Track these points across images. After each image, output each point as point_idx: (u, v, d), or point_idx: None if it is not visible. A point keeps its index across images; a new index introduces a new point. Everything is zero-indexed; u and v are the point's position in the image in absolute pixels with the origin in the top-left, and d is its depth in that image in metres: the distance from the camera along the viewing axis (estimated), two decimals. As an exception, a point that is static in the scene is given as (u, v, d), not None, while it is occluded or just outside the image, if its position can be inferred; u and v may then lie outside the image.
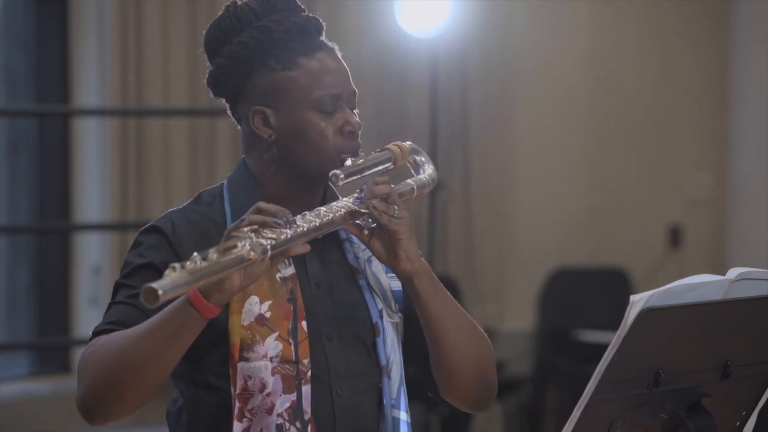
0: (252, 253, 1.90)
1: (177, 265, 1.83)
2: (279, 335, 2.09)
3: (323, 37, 2.22)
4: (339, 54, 2.22)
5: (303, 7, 2.24)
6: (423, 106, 5.87)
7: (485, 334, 2.24)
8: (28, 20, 5.47)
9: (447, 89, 6.05)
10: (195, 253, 1.86)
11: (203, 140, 5.46)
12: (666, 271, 6.45)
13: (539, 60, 6.43)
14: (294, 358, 2.09)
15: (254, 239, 1.92)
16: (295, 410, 2.08)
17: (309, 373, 2.10)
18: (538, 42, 6.41)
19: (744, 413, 2.03)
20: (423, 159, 2.28)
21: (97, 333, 2.10)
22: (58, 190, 5.52)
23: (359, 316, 2.19)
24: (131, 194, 5.33)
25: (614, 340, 1.78)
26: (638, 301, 1.78)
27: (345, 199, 2.12)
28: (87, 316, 5.49)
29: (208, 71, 2.22)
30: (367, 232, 2.12)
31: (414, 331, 2.21)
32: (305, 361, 2.10)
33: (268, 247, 1.92)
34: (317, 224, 2.03)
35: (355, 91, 2.22)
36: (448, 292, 2.20)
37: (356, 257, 2.21)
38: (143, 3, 5.30)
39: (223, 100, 2.24)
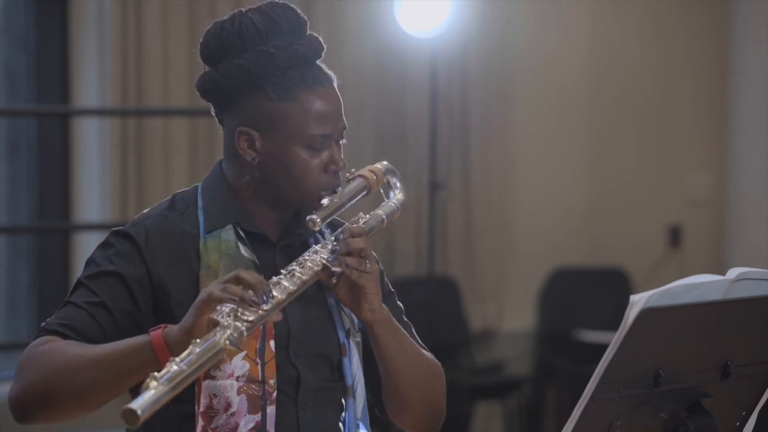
0: (228, 343, 1.89)
1: (158, 375, 1.81)
2: (246, 354, 2.08)
3: (321, 61, 2.18)
4: (335, 84, 2.19)
5: (307, 21, 2.20)
6: (423, 106, 5.87)
7: (438, 366, 2.28)
8: (28, 20, 5.47)
9: (447, 89, 6.05)
10: (172, 358, 1.84)
11: (203, 140, 5.46)
12: (666, 271, 6.45)
13: (539, 60, 6.43)
14: (260, 378, 2.09)
15: (232, 325, 1.90)
16: (259, 431, 2.08)
17: (275, 394, 2.10)
18: (538, 42, 6.41)
19: (744, 413, 2.03)
20: (396, 181, 2.28)
21: (47, 330, 2.08)
22: (58, 190, 5.51)
23: (327, 335, 2.19)
24: (131, 194, 5.32)
25: (614, 340, 1.78)
26: (638, 301, 1.78)
27: (319, 249, 2.11)
28: (87, 316, 5.48)
29: (199, 76, 2.19)
30: (335, 280, 2.13)
31: (367, 353, 2.22)
32: (271, 382, 2.10)
33: (244, 330, 1.91)
34: (293, 290, 2.03)
35: (345, 126, 2.19)
36: (405, 332, 2.22)
37: None
38: (143, 3, 5.29)
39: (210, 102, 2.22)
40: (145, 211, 2.23)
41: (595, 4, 6.56)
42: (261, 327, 2.06)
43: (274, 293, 1.99)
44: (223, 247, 2.13)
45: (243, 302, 1.93)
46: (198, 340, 1.88)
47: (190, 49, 5.35)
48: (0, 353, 5.48)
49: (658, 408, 1.90)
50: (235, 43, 2.15)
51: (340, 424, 2.19)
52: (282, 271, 2.05)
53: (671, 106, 6.68)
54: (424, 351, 2.27)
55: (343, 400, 2.20)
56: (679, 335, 1.86)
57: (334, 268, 2.10)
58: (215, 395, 2.07)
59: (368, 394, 2.26)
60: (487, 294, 6.32)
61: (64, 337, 2.07)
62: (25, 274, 5.52)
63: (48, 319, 2.11)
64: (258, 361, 2.09)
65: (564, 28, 6.48)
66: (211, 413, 2.07)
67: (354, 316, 2.20)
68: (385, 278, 2.31)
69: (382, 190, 2.27)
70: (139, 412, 1.76)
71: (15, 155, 5.51)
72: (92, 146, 5.43)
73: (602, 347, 1.81)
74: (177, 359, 1.84)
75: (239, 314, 1.92)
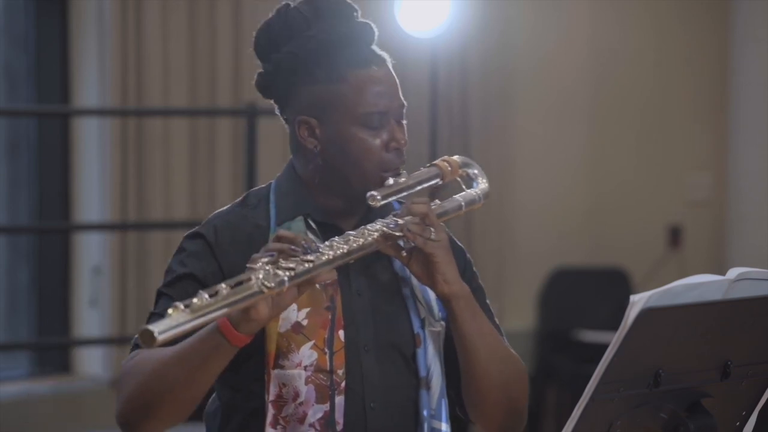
0: (266, 287, 1.88)
1: (180, 304, 1.82)
2: (314, 344, 2.08)
3: (374, 46, 2.19)
4: (390, 64, 2.19)
5: (356, 8, 2.20)
6: (423, 106, 5.87)
7: (521, 362, 2.22)
8: (28, 20, 5.47)
9: (447, 89, 6.05)
10: (200, 291, 1.85)
11: (203, 140, 5.46)
12: (666, 271, 6.45)
13: (539, 60, 6.43)
14: (328, 368, 2.08)
15: (270, 271, 1.90)
16: (328, 421, 2.07)
17: (343, 384, 2.09)
18: (538, 42, 6.41)
19: (744, 413, 2.03)
20: (476, 172, 2.25)
21: (137, 345, 2.11)
22: (58, 190, 5.51)
23: (400, 326, 2.16)
24: (131, 194, 5.32)
25: (614, 340, 1.78)
26: (638, 301, 1.78)
27: (381, 220, 2.09)
28: (87, 316, 5.49)
29: (257, 73, 2.20)
30: (405, 253, 2.10)
31: (452, 348, 2.18)
32: (340, 372, 2.09)
33: (285, 278, 1.90)
34: (345, 250, 2.00)
35: (403, 103, 2.18)
36: (486, 318, 2.18)
37: (402, 265, 2.17)
38: (143, 3, 5.29)
39: (272, 101, 2.22)
40: (217, 210, 2.23)
41: (595, 4, 6.56)
42: (329, 317, 2.07)
43: (323, 250, 1.97)
44: None
45: (283, 253, 1.93)
46: (230, 280, 1.88)
47: (190, 49, 5.35)
48: (0, 353, 5.48)
49: (658, 408, 1.90)
50: (282, 33, 2.15)
51: (412, 422, 2.16)
52: (337, 237, 2.04)
53: (671, 106, 6.68)
54: (508, 347, 2.21)
55: (416, 397, 2.16)
56: (679, 335, 1.86)
57: (395, 233, 2.06)
58: (284, 384, 2.07)
59: (450, 391, 2.21)
60: (487, 294, 6.31)
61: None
62: (25, 274, 5.52)
63: (136, 335, 2.14)
64: (326, 350, 2.08)
65: (564, 28, 6.48)
66: (280, 402, 2.07)
67: (432, 304, 2.17)
68: (473, 271, 2.29)
69: (464, 185, 2.25)
70: (156, 333, 1.78)
71: (15, 155, 5.51)
72: (92, 146, 5.43)
73: (602, 347, 1.81)
74: (204, 292, 1.84)
75: (280, 264, 1.91)
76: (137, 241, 5.35)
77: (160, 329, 1.78)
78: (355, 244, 2.02)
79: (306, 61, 2.13)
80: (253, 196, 2.21)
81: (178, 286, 2.12)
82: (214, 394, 2.21)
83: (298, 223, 2.14)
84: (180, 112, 5.35)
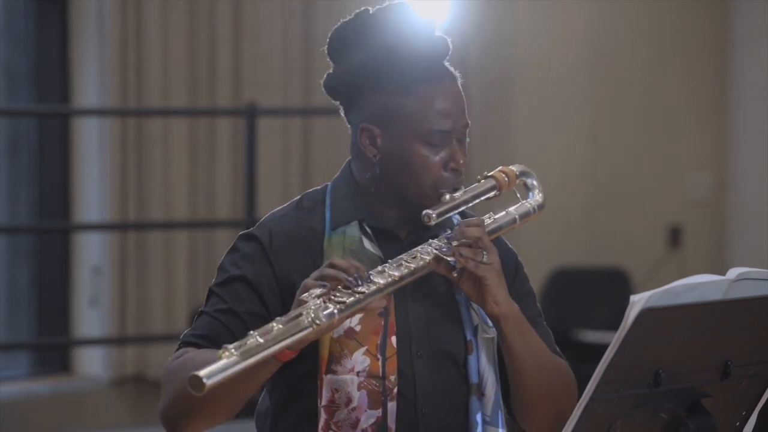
0: (316, 324, 1.89)
1: (231, 347, 1.84)
2: (367, 350, 2.08)
3: (447, 62, 2.17)
4: (459, 82, 2.17)
5: (434, 23, 2.18)
6: (423, 106, 5.87)
7: (569, 373, 2.23)
8: (28, 20, 5.47)
9: (447, 89, 6.05)
10: (252, 331, 1.86)
11: (203, 140, 5.46)
12: (666, 271, 6.45)
13: (538, 58, 6.43)
14: (381, 374, 2.08)
15: (321, 305, 1.91)
16: (380, 426, 2.07)
17: (395, 390, 2.08)
18: (537, 40, 6.41)
19: (744, 413, 2.03)
20: (534, 182, 2.26)
21: (185, 342, 2.12)
22: (58, 190, 5.52)
23: (453, 333, 2.16)
24: (131, 194, 5.33)
25: (614, 340, 1.78)
26: (638, 301, 1.78)
27: (434, 241, 2.09)
28: (87, 316, 5.49)
29: (326, 73, 2.20)
30: (456, 273, 2.09)
31: (501, 355, 2.18)
32: (392, 378, 2.08)
33: (335, 312, 1.92)
34: (396, 278, 2.01)
35: (467, 123, 2.17)
36: (535, 333, 2.19)
37: None
38: (143, 3, 5.29)
39: (337, 103, 2.22)
40: (273, 210, 2.23)
41: (594, 4, 6.56)
42: (382, 323, 2.07)
43: (376, 279, 1.98)
44: (347, 242, 2.12)
45: (337, 281, 1.94)
46: (282, 318, 1.90)
47: (190, 49, 5.35)
48: (0, 353, 5.48)
49: (658, 408, 1.90)
50: (357, 39, 2.14)
51: (464, 429, 2.15)
52: (390, 261, 2.04)
53: (671, 106, 6.68)
54: (558, 358, 2.23)
55: (468, 404, 2.15)
56: (679, 335, 1.86)
57: (447, 258, 2.07)
58: (337, 390, 2.07)
59: (502, 397, 2.21)
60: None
61: (198, 347, 2.10)
62: (25, 274, 5.52)
63: (185, 331, 2.15)
64: (379, 356, 2.08)
65: (563, 30, 6.48)
66: (333, 407, 2.07)
67: (484, 312, 2.17)
68: (524, 273, 2.29)
69: (519, 194, 2.24)
70: (204, 379, 1.79)
71: (15, 155, 5.51)
72: (92, 146, 5.43)
73: (602, 347, 1.81)
74: (256, 332, 1.86)
75: (332, 296, 1.93)
76: (137, 241, 5.35)
77: (209, 375, 1.80)
78: (406, 270, 2.02)
79: (376, 70, 2.12)
80: (308, 199, 2.21)
81: (229, 288, 2.12)
82: (264, 393, 2.21)
83: (353, 228, 2.14)
84: (180, 112, 5.36)
